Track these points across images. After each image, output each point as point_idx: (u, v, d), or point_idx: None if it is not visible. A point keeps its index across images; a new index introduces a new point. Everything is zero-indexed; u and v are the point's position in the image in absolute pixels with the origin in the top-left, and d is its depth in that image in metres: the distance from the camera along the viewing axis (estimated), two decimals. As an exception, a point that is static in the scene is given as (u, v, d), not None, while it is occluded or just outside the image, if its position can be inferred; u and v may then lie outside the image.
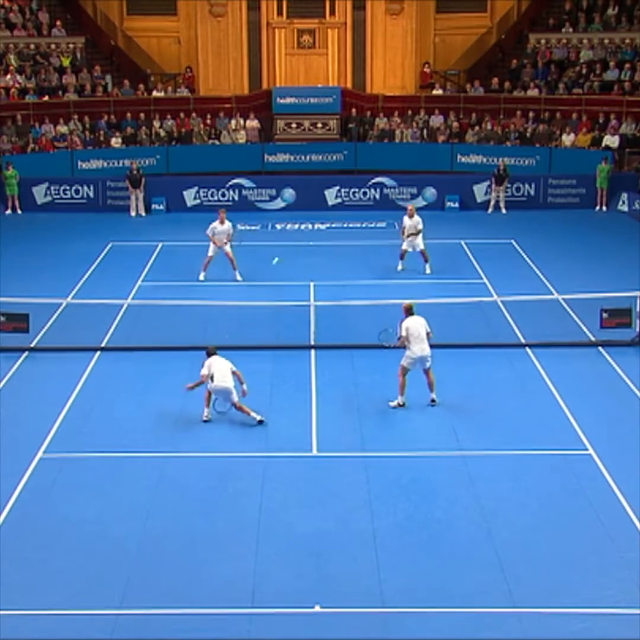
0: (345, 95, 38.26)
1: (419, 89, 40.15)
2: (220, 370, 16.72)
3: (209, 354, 17.00)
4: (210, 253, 24.95)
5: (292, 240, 29.48)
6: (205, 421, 16.78)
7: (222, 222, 24.98)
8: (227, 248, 24.92)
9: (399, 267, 25.51)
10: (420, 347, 17.01)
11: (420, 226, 25.20)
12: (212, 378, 16.66)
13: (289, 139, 37.24)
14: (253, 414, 16.70)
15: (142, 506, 14.15)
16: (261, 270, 24.48)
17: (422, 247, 25.31)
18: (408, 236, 25.24)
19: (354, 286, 24.18)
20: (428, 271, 25.26)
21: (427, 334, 17.18)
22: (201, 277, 24.85)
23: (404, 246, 25.41)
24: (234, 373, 16.73)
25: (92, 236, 29.70)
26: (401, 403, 17.22)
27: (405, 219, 25.43)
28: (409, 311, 17.41)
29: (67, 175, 34.14)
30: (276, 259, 24.82)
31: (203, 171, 34.75)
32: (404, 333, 17.07)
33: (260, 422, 16.66)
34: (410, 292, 23.06)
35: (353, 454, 15.78)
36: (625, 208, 32.81)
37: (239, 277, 24.79)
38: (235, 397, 16.69)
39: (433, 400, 17.35)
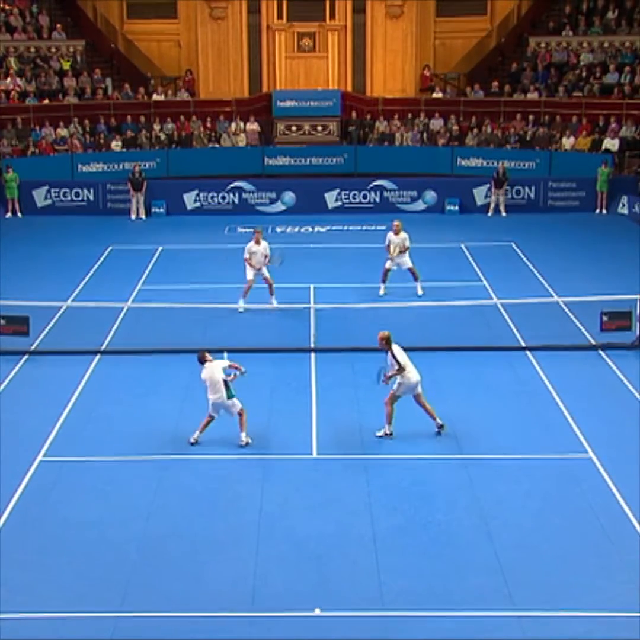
0: (345, 99, 38.32)
1: (419, 92, 40.19)
2: (210, 383, 15.95)
3: (200, 362, 16.17)
4: (249, 277, 22.70)
5: (292, 243, 29.44)
6: (192, 444, 16.05)
7: (257, 242, 22.78)
8: (265, 272, 22.73)
9: (381, 291, 23.60)
10: (415, 373, 16.10)
11: (408, 243, 23.50)
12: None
13: (289, 142, 37.28)
14: (243, 435, 16.06)
15: (142, 509, 14.14)
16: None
17: (409, 264, 23.60)
18: (397, 254, 23.41)
19: (354, 289, 24.17)
20: (420, 292, 23.45)
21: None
22: (240, 306, 22.37)
23: (387, 265, 23.60)
24: (231, 366, 16.06)
25: (92, 239, 29.72)
26: (388, 433, 16.29)
27: (391, 235, 23.64)
28: (389, 341, 16.21)
29: (67, 178, 34.17)
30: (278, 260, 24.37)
31: (203, 174, 34.79)
32: (403, 361, 16.01)
33: (246, 444, 16.02)
34: (410, 295, 23.13)
35: (353, 456, 15.77)
36: (625, 211, 32.81)
37: (275, 303, 22.55)
38: (235, 409, 16.04)
39: (441, 426, 16.43)
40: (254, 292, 22.80)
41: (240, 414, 16.01)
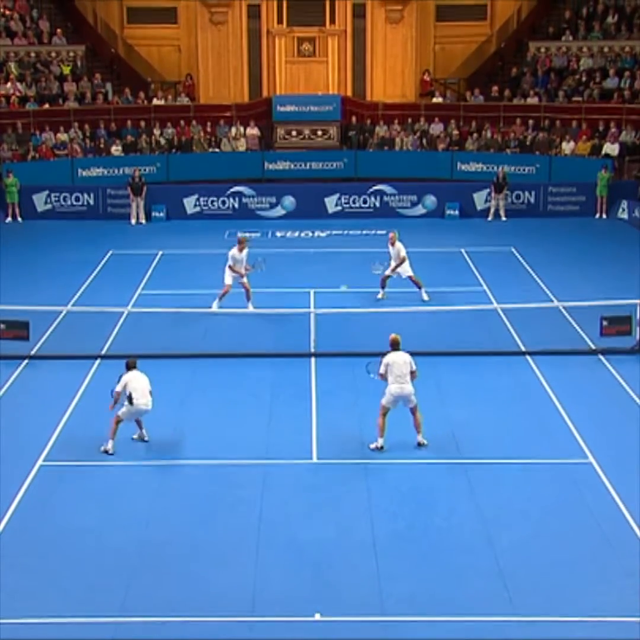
0: (345, 103, 38.35)
1: (419, 97, 40.23)
2: (138, 388, 15.80)
3: (128, 368, 15.99)
4: (228, 282, 22.90)
5: (292, 247, 29.50)
6: (110, 453, 15.89)
7: (241, 251, 22.99)
8: (244, 278, 23.04)
9: (379, 295, 23.62)
10: (399, 386, 15.78)
11: (403, 253, 23.34)
12: (130, 399, 15.71)
13: (289, 146, 37.31)
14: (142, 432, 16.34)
15: (142, 514, 14.14)
16: (261, 278, 24.42)
17: (410, 273, 23.51)
18: (394, 268, 23.41)
19: (354, 294, 24.17)
20: (425, 297, 23.35)
21: (412, 372, 15.88)
22: (214, 307, 22.72)
23: (387, 271, 23.63)
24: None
25: (92, 244, 29.71)
26: (379, 446, 15.93)
27: (389, 246, 23.75)
28: (394, 345, 16.20)
29: (67, 183, 34.17)
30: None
31: (203, 179, 34.80)
32: (382, 370, 15.92)
33: (141, 438, 16.28)
34: (410, 300, 23.12)
35: (353, 461, 15.76)
36: (625, 216, 32.84)
37: (251, 308, 22.80)
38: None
39: (420, 443, 16.10)
40: (252, 297, 22.84)
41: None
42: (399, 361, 15.89)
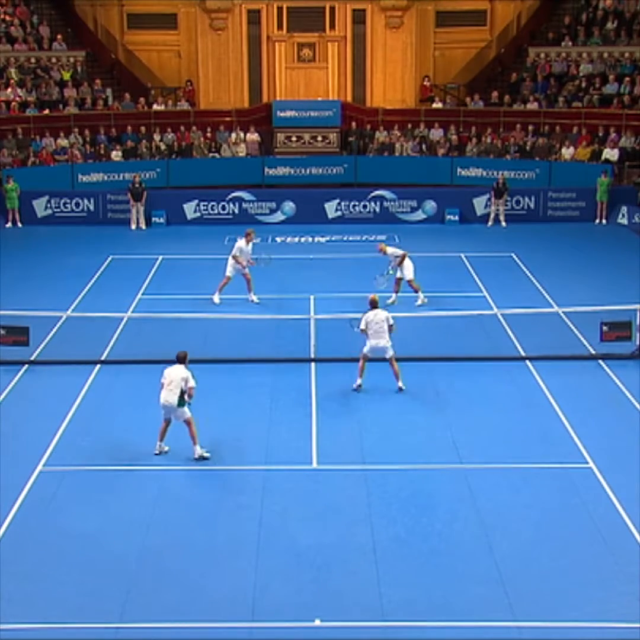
0: (345, 109, 38.40)
1: (419, 103, 40.25)
2: (164, 383, 15.82)
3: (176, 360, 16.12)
4: (229, 273, 23.68)
5: (292, 253, 29.50)
6: (157, 454, 16.01)
7: (248, 243, 23.85)
8: (246, 270, 23.76)
9: (391, 300, 23.49)
10: (376, 340, 18.41)
11: (399, 251, 23.47)
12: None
13: (289, 152, 37.34)
14: (197, 449, 15.88)
15: (142, 519, 14.12)
16: (261, 284, 24.46)
17: (410, 276, 23.56)
18: (399, 263, 23.48)
19: (354, 299, 24.13)
20: (419, 302, 23.47)
21: (390, 326, 18.50)
22: (216, 299, 23.58)
23: (398, 275, 23.65)
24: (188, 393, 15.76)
25: (92, 249, 29.72)
26: (359, 385, 18.62)
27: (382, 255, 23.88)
28: (373, 304, 18.74)
29: (67, 188, 34.20)
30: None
31: (203, 184, 34.85)
32: (363, 325, 18.52)
33: (203, 457, 15.88)
34: (411, 305, 23.13)
35: (353, 467, 15.76)
36: (625, 221, 32.84)
37: (254, 298, 23.69)
38: (183, 416, 15.90)
39: (400, 388, 18.53)
40: (250, 303, 22.90)
41: (188, 424, 15.88)
42: (376, 319, 18.49)
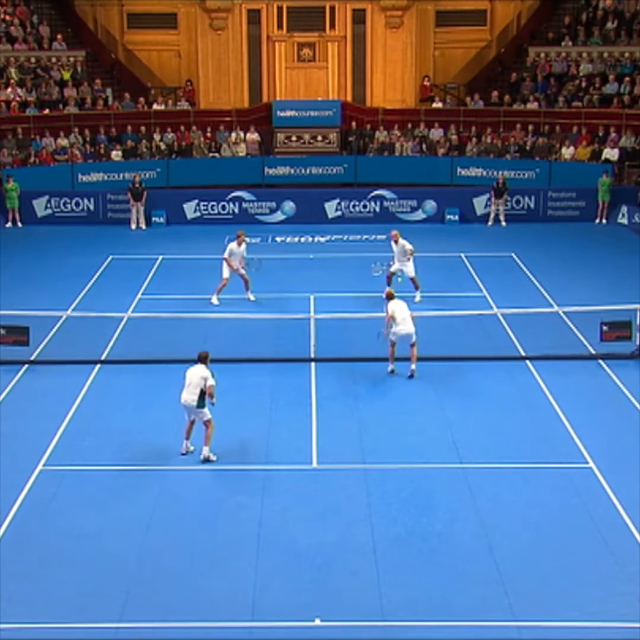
0: (345, 109, 38.37)
1: (419, 103, 40.22)
2: (186, 383, 15.87)
3: (202, 361, 16.05)
4: (225, 275, 23.83)
5: (292, 253, 29.50)
6: (183, 454, 16.03)
7: (239, 244, 23.95)
8: (241, 270, 23.96)
9: (418, 299, 23.69)
10: (404, 327, 19.15)
11: (409, 246, 23.60)
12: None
13: (289, 152, 37.33)
14: (205, 450, 15.82)
15: (142, 519, 14.12)
16: (261, 284, 24.46)
17: (412, 274, 23.79)
18: (399, 262, 23.72)
19: (354, 299, 24.17)
20: (418, 299, 23.54)
21: (411, 315, 19.49)
22: (214, 300, 23.68)
23: (393, 268, 23.93)
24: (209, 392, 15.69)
25: (92, 249, 29.71)
26: (392, 370, 19.48)
27: (392, 244, 24.02)
28: (391, 297, 19.74)
29: (67, 188, 34.18)
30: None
31: (203, 184, 34.84)
32: (391, 312, 19.28)
33: (208, 460, 15.83)
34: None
35: (353, 466, 15.76)
36: (625, 221, 32.84)
37: (251, 297, 23.97)
38: (203, 417, 15.88)
39: (411, 373, 19.21)
40: (252, 302, 22.88)
41: (206, 425, 15.86)
42: (400, 306, 19.46)
